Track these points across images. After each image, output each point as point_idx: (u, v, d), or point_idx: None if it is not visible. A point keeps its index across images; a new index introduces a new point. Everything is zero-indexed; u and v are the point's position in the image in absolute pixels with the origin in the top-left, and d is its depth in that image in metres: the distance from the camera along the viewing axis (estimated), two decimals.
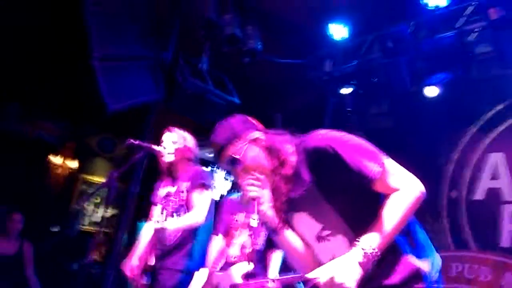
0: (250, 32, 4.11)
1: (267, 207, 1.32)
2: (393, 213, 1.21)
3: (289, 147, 1.34)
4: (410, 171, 1.27)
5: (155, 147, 2.72)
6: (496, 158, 3.61)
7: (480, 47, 3.34)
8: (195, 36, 4.22)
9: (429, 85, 3.67)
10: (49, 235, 5.57)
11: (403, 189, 1.23)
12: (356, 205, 1.27)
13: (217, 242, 3.08)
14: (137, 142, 2.70)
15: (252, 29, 4.12)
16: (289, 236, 1.38)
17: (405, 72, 3.66)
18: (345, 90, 4.21)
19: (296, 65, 4.35)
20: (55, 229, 5.73)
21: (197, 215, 2.46)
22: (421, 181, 1.25)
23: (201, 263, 2.59)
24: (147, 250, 2.56)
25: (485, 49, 3.31)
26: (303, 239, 1.40)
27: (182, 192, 2.57)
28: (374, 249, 1.18)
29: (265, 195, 1.32)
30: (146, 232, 2.78)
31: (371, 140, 1.29)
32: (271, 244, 3.01)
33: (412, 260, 1.26)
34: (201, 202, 2.50)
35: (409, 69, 3.65)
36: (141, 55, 3.88)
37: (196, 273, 3.03)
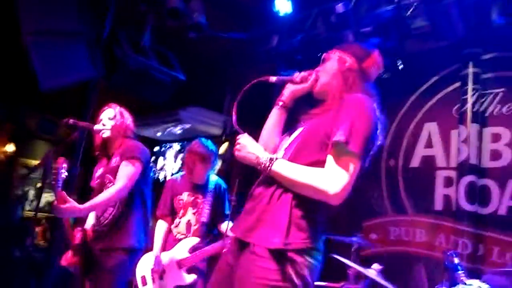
0: (194, 6, 3.98)
1: (298, 88, 1.65)
2: (305, 174, 1.36)
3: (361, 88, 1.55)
4: None
5: (92, 125, 2.62)
6: (430, 128, 3.83)
7: (417, 22, 3.46)
8: (136, 10, 4.03)
9: None
10: None
11: (329, 176, 1.32)
12: (312, 153, 1.41)
13: (162, 224, 3.06)
14: (72, 121, 2.58)
15: (196, 2, 3.99)
16: (279, 117, 1.67)
17: None
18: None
19: (242, 40, 4.30)
20: None
21: (117, 188, 2.28)
22: None
23: (142, 241, 2.49)
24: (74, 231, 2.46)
25: (421, 23, 3.44)
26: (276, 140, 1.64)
27: (113, 167, 2.45)
28: (269, 166, 1.38)
29: (306, 85, 1.63)
30: None
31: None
32: (219, 216, 3.06)
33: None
34: (125, 174, 2.32)
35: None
36: (76, 30, 3.63)
37: (143, 258, 2.98)
